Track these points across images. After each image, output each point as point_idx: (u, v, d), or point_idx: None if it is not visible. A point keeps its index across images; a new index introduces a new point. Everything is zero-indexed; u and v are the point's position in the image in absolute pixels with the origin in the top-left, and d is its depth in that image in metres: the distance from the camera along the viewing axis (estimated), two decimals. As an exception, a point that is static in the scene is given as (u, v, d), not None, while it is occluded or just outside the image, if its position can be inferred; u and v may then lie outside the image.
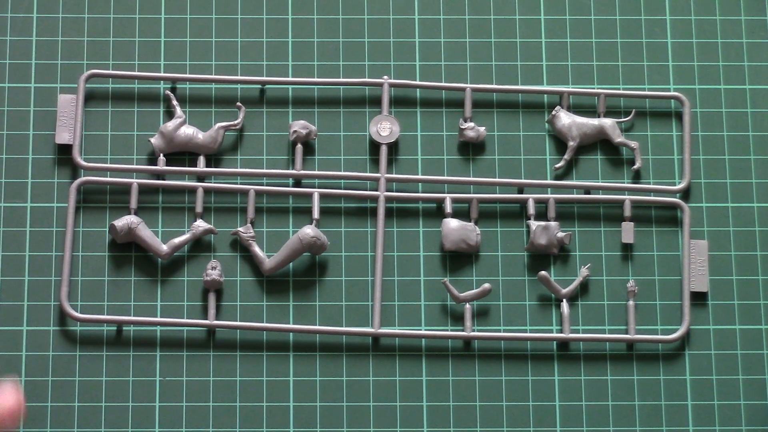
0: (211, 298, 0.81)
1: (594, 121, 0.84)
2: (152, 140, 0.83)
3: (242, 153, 0.84)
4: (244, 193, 0.83)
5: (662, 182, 0.84)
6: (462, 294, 0.82)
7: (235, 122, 0.84)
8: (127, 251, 0.83)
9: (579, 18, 0.86)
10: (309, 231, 0.82)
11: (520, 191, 0.84)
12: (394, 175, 0.84)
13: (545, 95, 0.85)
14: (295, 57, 0.85)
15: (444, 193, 0.84)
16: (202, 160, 0.83)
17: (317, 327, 0.81)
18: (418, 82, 0.85)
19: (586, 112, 0.85)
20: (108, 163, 0.84)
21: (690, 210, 0.84)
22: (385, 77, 0.85)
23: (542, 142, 0.85)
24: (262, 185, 0.84)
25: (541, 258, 0.83)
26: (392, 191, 0.84)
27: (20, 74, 0.85)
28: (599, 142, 0.85)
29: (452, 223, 0.83)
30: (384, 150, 0.84)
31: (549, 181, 0.84)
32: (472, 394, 0.81)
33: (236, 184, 0.84)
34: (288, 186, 0.84)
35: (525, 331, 0.82)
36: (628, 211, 0.83)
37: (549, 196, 0.83)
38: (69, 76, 0.85)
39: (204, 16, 0.86)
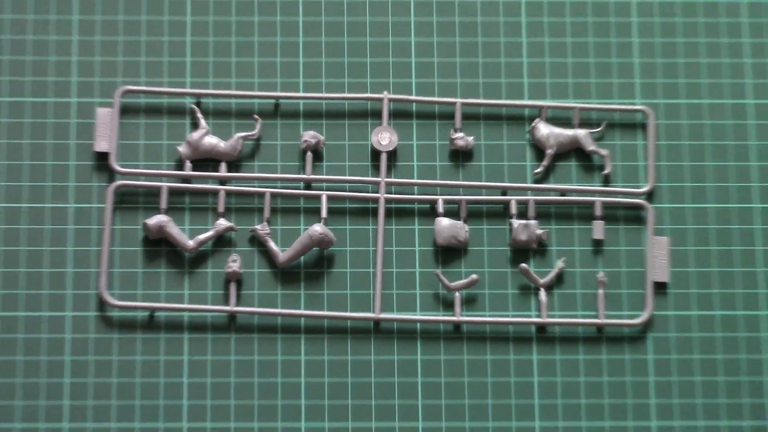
0: (232, 287, 0.85)
1: (569, 132, 0.87)
2: (180, 148, 0.86)
3: (259, 160, 0.87)
4: (261, 195, 0.87)
5: (629, 185, 0.87)
6: (452, 283, 0.85)
7: (253, 132, 0.87)
8: (158, 246, 0.86)
9: (556, 41, 0.89)
10: (318, 228, 0.85)
11: (504, 193, 0.87)
12: (392, 180, 0.87)
13: (526, 109, 0.88)
14: (305, 75, 0.88)
15: (437, 195, 0.87)
16: (223, 165, 0.86)
17: (325, 312, 0.85)
18: (414, 97, 0.88)
19: (562, 123, 0.88)
20: (141, 169, 0.87)
21: (653, 210, 0.87)
22: (385, 93, 0.88)
23: (523, 150, 0.88)
24: (277, 188, 0.87)
25: (522, 252, 0.87)
26: (391, 193, 0.87)
27: (63, 90, 0.87)
28: (574, 150, 0.88)
29: (444, 222, 0.86)
30: (384, 157, 0.87)
31: (529, 185, 0.87)
32: (461, 372, 0.85)
33: (254, 187, 0.87)
34: (299, 189, 0.87)
35: (507, 316, 0.85)
36: (598, 211, 0.86)
37: (529, 197, 0.87)
38: (106, 92, 0.88)
39: (225, 38, 0.89)
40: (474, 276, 0.86)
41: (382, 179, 0.87)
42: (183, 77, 0.88)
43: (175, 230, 0.86)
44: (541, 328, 0.86)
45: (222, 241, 0.87)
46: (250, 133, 0.88)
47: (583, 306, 0.86)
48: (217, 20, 0.89)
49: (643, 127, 0.89)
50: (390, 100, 0.88)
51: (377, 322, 0.86)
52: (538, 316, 0.86)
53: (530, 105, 0.88)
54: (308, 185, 0.88)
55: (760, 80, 0.89)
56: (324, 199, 0.87)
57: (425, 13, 0.90)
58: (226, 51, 0.89)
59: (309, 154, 0.87)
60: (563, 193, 0.87)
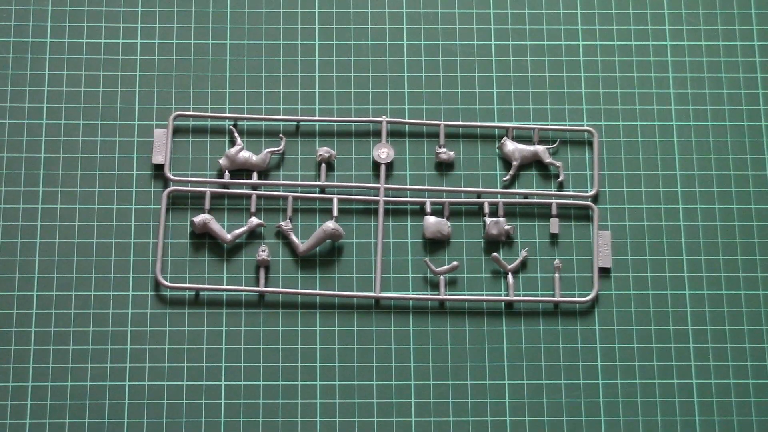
0: (262, 272, 0.81)
1: (531, 147, 0.84)
2: (220, 161, 0.83)
3: (283, 170, 0.84)
4: (285, 198, 0.83)
5: (578, 190, 0.84)
6: (438, 268, 0.81)
7: (279, 148, 0.83)
8: (202, 239, 0.82)
9: (520, 75, 0.86)
10: (330, 224, 0.81)
11: (479, 196, 0.83)
12: (389, 186, 0.83)
13: (496, 129, 0.85)
14: (320, 102, 0.85)
15: (425, 198, 0.83)
16: (255, 175, 0.83)
17: (336, 292, 0.81)
18: (406, 120, 0.84)
19: (525, 140, 0.85)
20: (189, 177, 0.83)
21: (598, 210, 0.83)
22: (384, 117, 0.84)
23: (494, 162, 0.84)
24: (297, 192, 0.83)
25: (493, 243, 0.83)
26: (388, 197, 0.83)
27: (127, 115, 0.84)
28: (534, 162, 0.84)
29: (431, 219, 0.82)
30: (383, 168, 0.83)
31: (499, 190, 0.83)
32: (445, 340, 0.81)
33: (279, 191, 0.83)
34: (315, 193, 0.83)
35: (482, 294, 0.81)
36: (554, 211, 0.83)
37: (499, 200, 0.83)
38: (162, 115, 0.84)
39: (256, 74, 0.85)
40: (455, 263, 0.82)
41: (381, 185, 0.84)
42: (223, 104, 0.85)
43: (216, 226, 0.82)
44: (509, 304, 0.82)
45: (253, 235, 0.83)
46: (276, 149, 0.84)
47: (543, 286, 0.83)
48: (250, 59, 0.86)
49: (590, 143, 0.85)
50: (387, 122, 0.85)
51: (377, 299, 0.82)
52: (507, 295, 0.82)
53: (499, 126, 0.85)
54: (322, 190, 0.84)
55: (681, 106, 0.86)
56: (335, 201, 0.83)
57: (415, 54, 0.86)
58: (257, 83, 0.86)
59: (323, 166, 0.84)
60: (526, 196, 0.84)
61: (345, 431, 0.79)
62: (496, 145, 0.84)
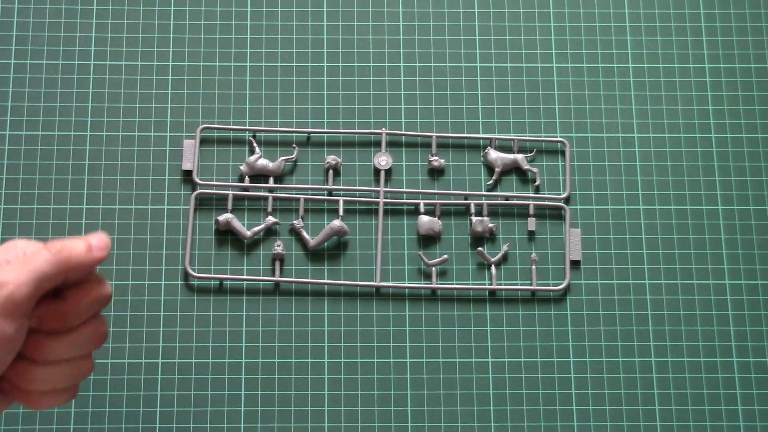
0: (277, 264, 0.80)
1: (511, 156, 0.83)
2: (241, 167, 0.82)
3: (296, 175, 0.83)
4: (297, 200, 0.82)
5: (552, 193, 0.83)
6: (430, 261, 0.81)
7: (292, 156, 0.83)
8: (225, 235, 0.81)
9: (502, 93, 0.85)
10: (337, 222, 0.81)
11: (466, 198, 0.83)
12: (388, 189, 0.82)
13: (481, 140, 0.84)
14: (328, 116, 0.84)
15: (419, 199, 0.82)
16: (271, 179, 0.82)
17: (341, 281, 0.80)
18: (403, 132, 0.84)
19: (506, 150, 0.84)
20: (214, 181, 0.82)
21: (569, 210, 0.82)
22: (383, 129, 0.83)
23: (479, 168, 0.83)
24: (308, 195, 0.82)
25: (479, 239, 0.82)
26: (387, 198, 0.82)
27: (160, 128, 0.83)
28: (514, 169, 0.84)
29: (424, 218, 0.82)
30: (382, 173, 0.83)
31: (483, 193, 0.83)
32: (436, 323, 0.80)
33: (292, 194, 0.82)
34: (324, 195, 0.82)
35: (469, 283, 0.81)
36: (532, 211, 0.82)
37: (483, 201, 0.82)
38: (190, 128, 0.83)
39: (272, 91, 0.84)
40: (445, 256, 0.81)
41: (381, 189, 0.83)
42: (244, 118, 0.84)
43: (237, 224, 0.82)
44: (492, 292, 0.81)
45: (270, 232, 0.82)
46: (290, 157, 0.84)
47: (521, 277, 0.82)
48: (267, 79, 0.85)
49: (562, 152, 0.85)
50: (386, 134, 0.84)
51: (378, 288, 0.81)
52: (490, 284, 0.81)
53: (484, 137, 0.84)
54: (330, 193, 0.83)
55: (642, 120, 0.85)
56: (341, 202, 0.82)
57: (411, 74, 0.86)
58: (273, 100, 0.85)
59: (330, 172, 0.83)
60: (507, 198, 0.84)
61: (350, 403, 0.78)
62: (481, 154, 0.84)
